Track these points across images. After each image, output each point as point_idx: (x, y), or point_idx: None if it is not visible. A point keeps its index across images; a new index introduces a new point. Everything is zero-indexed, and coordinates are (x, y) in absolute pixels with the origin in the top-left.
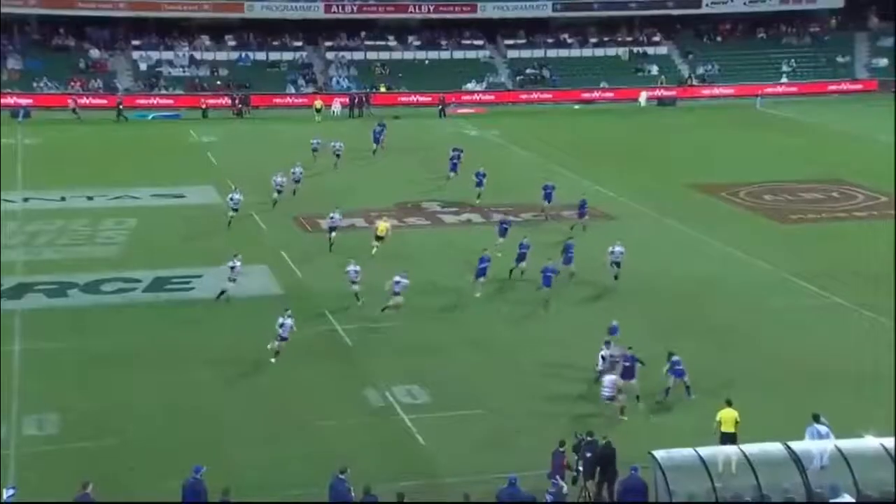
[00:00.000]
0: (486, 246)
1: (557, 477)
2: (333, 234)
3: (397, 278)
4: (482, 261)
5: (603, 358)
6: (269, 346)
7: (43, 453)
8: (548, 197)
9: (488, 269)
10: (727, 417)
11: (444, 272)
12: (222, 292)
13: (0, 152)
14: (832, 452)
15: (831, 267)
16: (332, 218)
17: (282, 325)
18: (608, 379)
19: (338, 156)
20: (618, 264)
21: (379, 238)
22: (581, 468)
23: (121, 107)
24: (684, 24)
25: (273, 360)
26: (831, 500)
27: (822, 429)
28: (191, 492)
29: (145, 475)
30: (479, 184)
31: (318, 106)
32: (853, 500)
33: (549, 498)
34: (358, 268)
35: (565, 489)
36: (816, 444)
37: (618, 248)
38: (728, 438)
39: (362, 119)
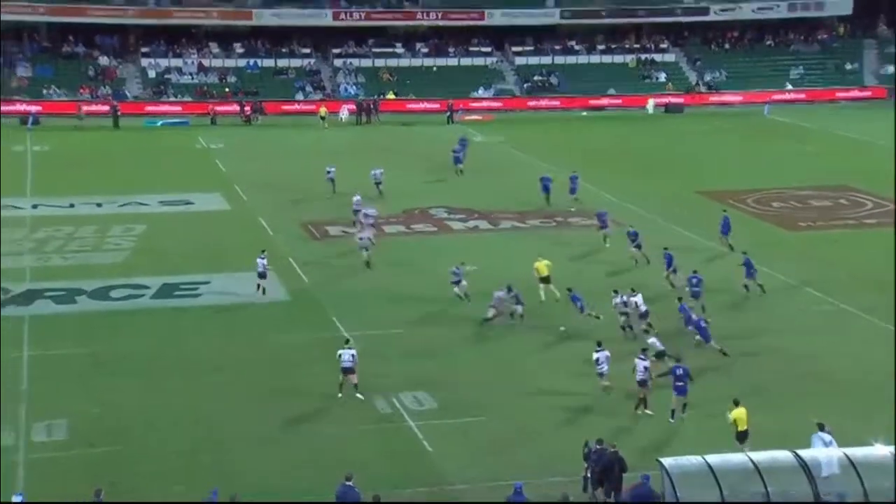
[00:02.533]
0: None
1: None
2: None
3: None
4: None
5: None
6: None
7: (51, 459)
8: (635, 241)
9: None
10: (741, 416)
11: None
12: (486, 319)
13: (3, 159)
14: (840, 460)
15: (840, 274)
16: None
17: (343, 359)
18: (641, 364)
19: (378, 184)
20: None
21: (544, 280)
22: (589, 476)
23: (117, 113)
24: (692, 32)
25: (358, 395)
26: None
27: (826, 437)
28: None
29: (153, 480)
30: (546, 189)
31: (323, 113)
32: None
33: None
34: (266, 261)
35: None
36: (824, 452)
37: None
38: (744, 436)
39: (371, 126)
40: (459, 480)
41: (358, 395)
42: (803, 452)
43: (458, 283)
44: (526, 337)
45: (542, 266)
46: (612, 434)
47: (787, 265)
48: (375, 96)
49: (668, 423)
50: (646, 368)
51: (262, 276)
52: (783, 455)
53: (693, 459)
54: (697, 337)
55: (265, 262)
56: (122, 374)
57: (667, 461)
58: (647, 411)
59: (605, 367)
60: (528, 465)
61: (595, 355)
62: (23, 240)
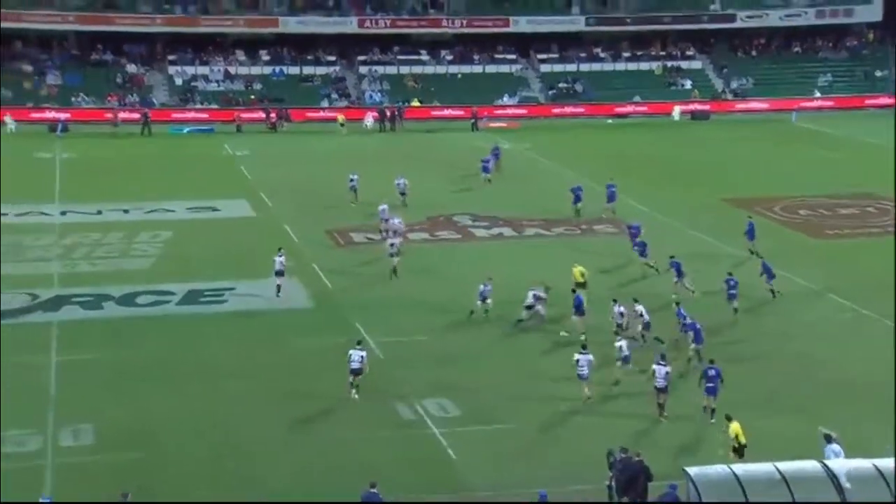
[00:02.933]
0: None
1: None
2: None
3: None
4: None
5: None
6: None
7: (78, 463)
8: (643, 253)
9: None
10: (738, 430)
11: (474, 287)
12: (521, 320)
13: (31, 165)
14: (850, 472)
15: (865, 281)
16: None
17: (352, 359)
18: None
19: (403, 194)
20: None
21: (580, 286)
22: (614, 484)
23: (147, 120)
24: (718, 39)
25: (356, 395)
26: None
27: (836, 447)
28: None
29: (178, 485)
30: (578, 199)
31: (341, 121)
32: None
33: None
34: (283, 259)
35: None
36: (845, 463)
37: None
38: (744, 450)
39: (395, 133)
40: (484, 488)
41: (354, 395)
42: (831, 463)
43: (484, 300)
44: (549, 343)
45: (577, 272)
46: (636, 441)
47: (812, 272)
48: (400, 103)
49: (692, 430)
50: (667, 374)
51: (279, 273)
52: (809, 465)
53: (719, 468)
54: (693, 345)
55: (283, 259)
56: (149, 380)
57: (692, 470)
58: (664, 414)
59: (585, 371)
60: (553, 472)
61: (576, 357)
62: (51, 246)
